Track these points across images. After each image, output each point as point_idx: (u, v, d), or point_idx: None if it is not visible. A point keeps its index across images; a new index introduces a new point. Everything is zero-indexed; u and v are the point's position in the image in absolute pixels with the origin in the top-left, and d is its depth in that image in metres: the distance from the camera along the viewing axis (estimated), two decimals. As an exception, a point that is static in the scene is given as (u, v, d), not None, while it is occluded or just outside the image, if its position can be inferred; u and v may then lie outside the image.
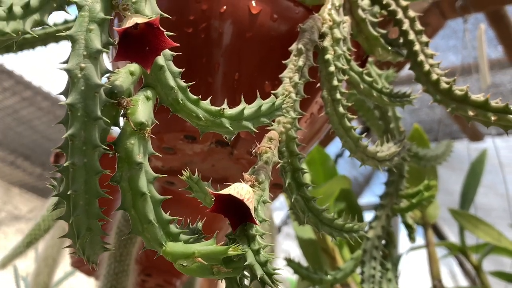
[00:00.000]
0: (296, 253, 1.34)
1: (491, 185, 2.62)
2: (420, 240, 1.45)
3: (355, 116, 0.53)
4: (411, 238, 0.78)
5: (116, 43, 0.36)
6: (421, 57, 0.57)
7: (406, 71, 2.14)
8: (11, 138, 2.92)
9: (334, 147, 2.75)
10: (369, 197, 3.20)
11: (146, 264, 0.93)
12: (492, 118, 0.50)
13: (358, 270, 0.76)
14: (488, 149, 1.62)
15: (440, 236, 2.71)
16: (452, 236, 2.71)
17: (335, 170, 1.18)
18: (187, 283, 1.26)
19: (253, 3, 0.58)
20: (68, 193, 0.35)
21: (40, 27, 0.74)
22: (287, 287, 2.09)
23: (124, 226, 0.78)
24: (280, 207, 2.36)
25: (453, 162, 2.50)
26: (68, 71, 0.34)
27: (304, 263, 0.91)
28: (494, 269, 1.62)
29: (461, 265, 2.46)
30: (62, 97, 0.35)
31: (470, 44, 1.92)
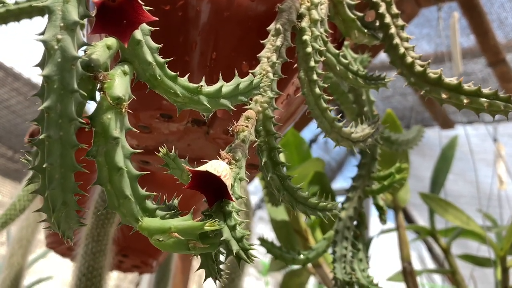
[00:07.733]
0: (270, 237, 1.35)
1: (461, 172, 2.67)
2: (390, 223, 1.48)
3: (331, 97, 0.54)
4: (382, 219, 0.79)
5: (93, 15, 0.35)
6: (397, 40, 0.58)
7: (380, 58, 2.16)
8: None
9: (308, 132, 2.77)
10: (341, 182, 3.24)
11: (123, 245, 0.92)
12: (465, 100, 0.51)
13: (330, 250, 0.77)
14: (459, 136, 1.65)
15: (410, 221, 2.76)
16: (422, 222, 2.77)
17: (309, 153, 1.19)
18: (162, 265, 1.26)
19: (232, -18, 0.58)
20: (44, 166, 0.34)
21: (13, 2, 0.73)
22: (260, 270, 2.12)
23: (101, 205, 0.78)
24: (254, 191, 2.37)
25: (424, 149, 2.54)
26: (44, 42, 0.33)
27: (278, 244, 0.92)
28: (461, 252, 1.66)
29: (430, 249, 2.52)
30: (35, 78, 0.34)
31: (444, 32, 1.95)
